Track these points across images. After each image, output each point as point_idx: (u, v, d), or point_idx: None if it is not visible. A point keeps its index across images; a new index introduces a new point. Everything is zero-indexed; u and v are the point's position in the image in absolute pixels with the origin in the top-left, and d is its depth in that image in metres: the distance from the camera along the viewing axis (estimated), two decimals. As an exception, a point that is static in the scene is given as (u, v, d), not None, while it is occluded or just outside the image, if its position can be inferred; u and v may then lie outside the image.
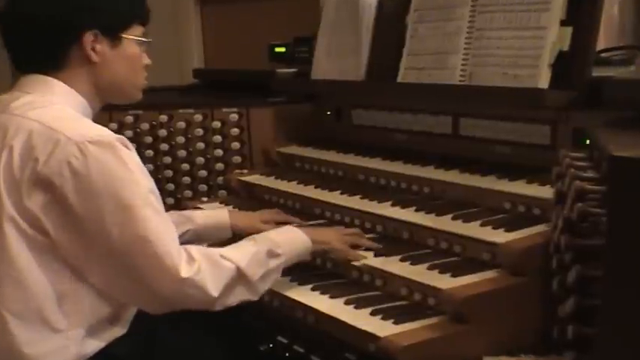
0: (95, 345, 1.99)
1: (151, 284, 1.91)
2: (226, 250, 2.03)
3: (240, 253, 2.03)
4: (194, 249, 1.97)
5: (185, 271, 1.90)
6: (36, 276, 1.92)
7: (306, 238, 2.18)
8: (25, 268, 1.91)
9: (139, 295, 1.98)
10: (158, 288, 1.92)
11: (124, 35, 2.11)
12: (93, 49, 2.06)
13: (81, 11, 2.04)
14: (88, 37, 2.05)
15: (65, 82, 2.06)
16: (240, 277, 2.00)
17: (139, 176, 1.93)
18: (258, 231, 2.27)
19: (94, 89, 2.10)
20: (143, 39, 2.17)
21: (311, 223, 2.47)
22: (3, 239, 1.91)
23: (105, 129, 1.98)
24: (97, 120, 2.08)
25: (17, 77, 2.14)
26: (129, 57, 2.13)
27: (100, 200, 1.88)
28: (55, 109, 2.00)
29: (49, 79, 2.06)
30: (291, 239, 2.17)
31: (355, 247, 2.25)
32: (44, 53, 2.06)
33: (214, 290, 1.95)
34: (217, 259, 1.98)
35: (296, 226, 2.30)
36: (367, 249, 2.23)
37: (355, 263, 2.18)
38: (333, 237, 2.26)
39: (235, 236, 2.41)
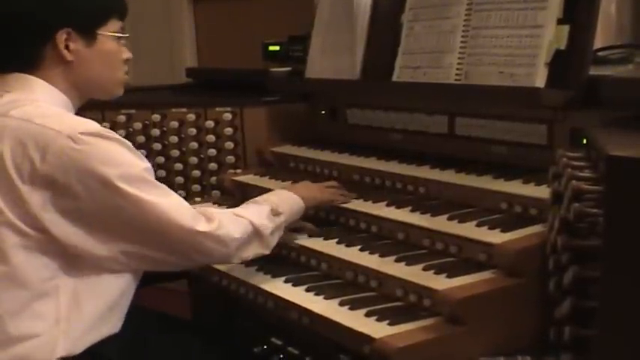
0: (86, 341, 1.99)
1: (177, 250, 2.03)
2: (237, 210, 2.20)
3: (250, 211, 2.19)
4: (211, 209, 2.16)
5: (204, 227, 2.02)
6: (30, 272, 1.93)
7: (298, 198, 2.33)
8: (19, 266, 1.92)
9: (168, 262, 2.07)
10: (184, 250, 2.03)
11: (99, 32, 2.09)
12: (67, 48, 2.05)
13: (51, 10, 2.03)
14: (61, 36, 2.03)
15: (44, 80, 2.06)
16: (254, 231, 2.15)
17: (134, 159, 1.99)
18: None
19: (72, 87, 2.10)
20: (120, 34, 2.15)
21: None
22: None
23: (91, 121, 2.00)
24: (88, 119, 2.08)
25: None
26: (106, 54, 2.12)
27: (105, 187, 1.92)
28: (39, 106, 2.00)
29: (29, 77, 2.05)
30: (287, 199, 2.32)
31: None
32: (17, 53, 2.05)
33: (234, 243, 2.09)
34: (233, 216, 2.14)
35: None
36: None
37: (348, 258, 2.18)
38: (318, 191, 2.45)
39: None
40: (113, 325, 2.05)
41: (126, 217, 1.95)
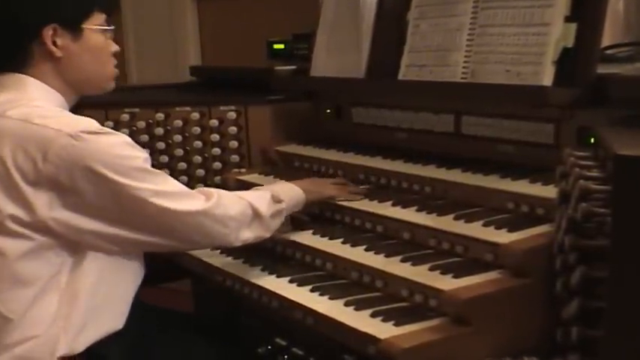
0: (86, 338, 1.99)
1: (178, 234, 2.06)
2: (238, 192, 2.25)
3: (251, 194, 2.24)
4: (212, 189, 2.17)
5: (202, 205, 2.06)
6: (32, 272, 1.94)
7: (300, 191, 2.37)
8: (21, 268, 1.93)
9: (169, 246, 2.12)
10: (184, 233, 2.07)
11: (84, 26, 2.11)
12: (54, 44, 2.06)
13: (36, 6, 2.05)
14: (47, 32, 2.05)
15: (36, 79, 2.07)
16: (254, 213, 2.18)
17: (133, 151, 2.01)
18: None
19: (64, 84, 2.11)
20: (106, 27, 2.16)
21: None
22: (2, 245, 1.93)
23: (89, 119, 2.02)
24: (92, 117, 2.09)
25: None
26: (94, 48, 2.13)
27: (107, 181, 1.94)
28: (36, 105, 2.01)
29: (21, 76, 2.07)
30: (289, 190, 2.37)
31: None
32: (6, 53, 2.07)
33: (232, 222, 2.13)
34: (232, 196, 2.18)
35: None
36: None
37: (354, 258, 2.18)
38: (324, 186, 2.48)
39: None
40: (113, 321, 2.06)
41: (128, 208, 1.98)
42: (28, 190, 1.91)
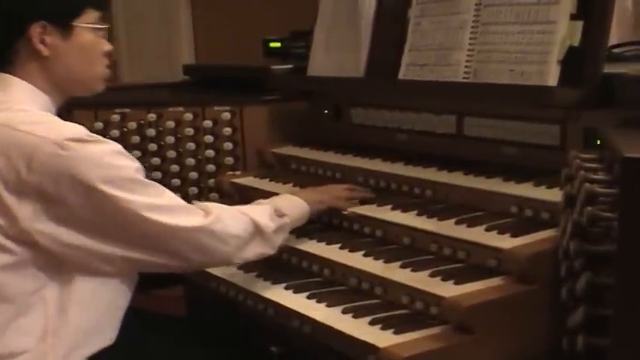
0: (77, 355, 1.98)
1: (174, 251, 2.01)
2: (240, 207, 2.20)
3: (252, 210, 2.20)
4: (211, 204, 2.14)
5: (200, 222, 2.02)
6: (15, 287, 1.92)
7: (304, 203, 2.36)
8: (4, 282, 1.91)
9: (166, 265, 2.06)
10: (181, 250, 2.02)
11: (75, 24, 2.07)
12: (42, 42, 2.02)
13: (24, 2, 2.01)
14: (35, 30, 2.01)
15: (21, 79, 2.03)
16: (256, 229, 2.15)
17: (124, 161, 1.96)
18: None
19: (51, 84, 2.07)
20: (98, 26, 2.12)
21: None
22: None
23: (77, 125, 1.98)
24: (81, 118, 2.08)
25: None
26: (84, 46, 2.09)
27: (94, 192, 1.89)
28: (21, 109, 1.98)
29: (6, 75, 2.04)
30: (291, 202, 2.34)
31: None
32: None
33: (233, 240, 2.09)
34: (233, 212, 2.14)
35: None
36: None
37: (352, 263, 2.18)
38: (327, 196, 2.46)
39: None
40: (105, 337, 2.04)
41: (119, 222, 1.94)
42: (10, 200, 1.88)
